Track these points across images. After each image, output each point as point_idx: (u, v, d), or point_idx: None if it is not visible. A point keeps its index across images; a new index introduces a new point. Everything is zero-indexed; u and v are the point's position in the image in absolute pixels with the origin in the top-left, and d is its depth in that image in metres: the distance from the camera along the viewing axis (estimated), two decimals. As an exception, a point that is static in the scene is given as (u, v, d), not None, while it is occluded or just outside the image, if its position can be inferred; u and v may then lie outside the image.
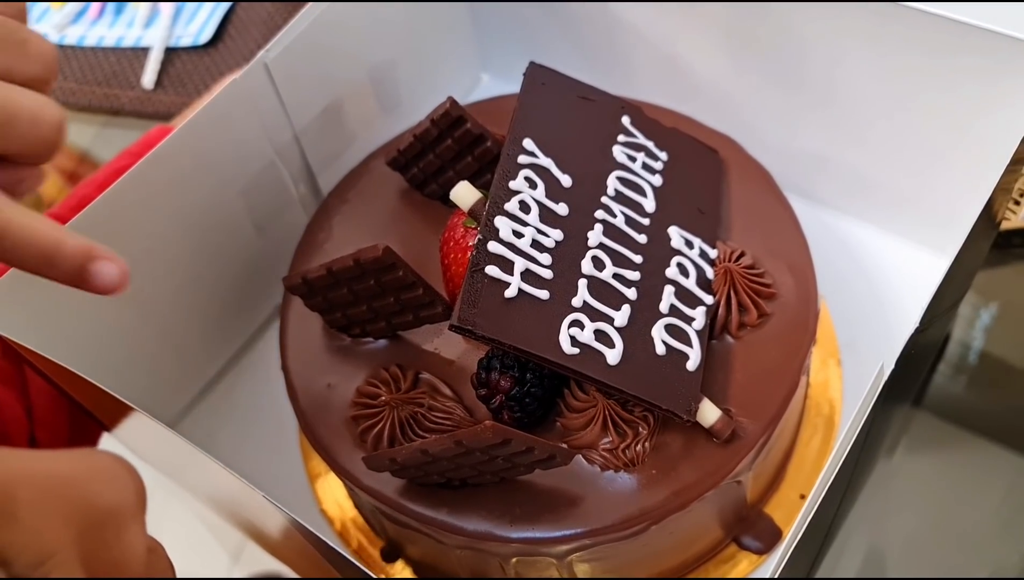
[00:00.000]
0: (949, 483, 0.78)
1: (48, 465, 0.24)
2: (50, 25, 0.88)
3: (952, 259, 0.42)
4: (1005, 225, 0.63)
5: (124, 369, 0.56)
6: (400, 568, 0.55)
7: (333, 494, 0.58)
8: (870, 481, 0.79)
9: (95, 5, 0.89)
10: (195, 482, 0.55)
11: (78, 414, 0.55)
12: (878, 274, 0.63)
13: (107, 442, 0.62)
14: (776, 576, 0.36)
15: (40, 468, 0.24)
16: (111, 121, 0.85)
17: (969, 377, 0.79)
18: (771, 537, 0.53)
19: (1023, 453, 0.76)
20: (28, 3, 0.87)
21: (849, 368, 0.59)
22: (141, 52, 0.86)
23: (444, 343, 0.51)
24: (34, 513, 0.22)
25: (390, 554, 0.55)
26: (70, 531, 0.23)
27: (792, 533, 0.36)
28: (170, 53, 0.85)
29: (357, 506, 0.57)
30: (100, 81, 0.85)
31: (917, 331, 0.40)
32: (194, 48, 0.85)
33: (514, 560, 0.47)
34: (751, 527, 0.53)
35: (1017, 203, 0.64)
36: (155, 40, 0.85)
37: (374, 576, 0.38)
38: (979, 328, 0.79)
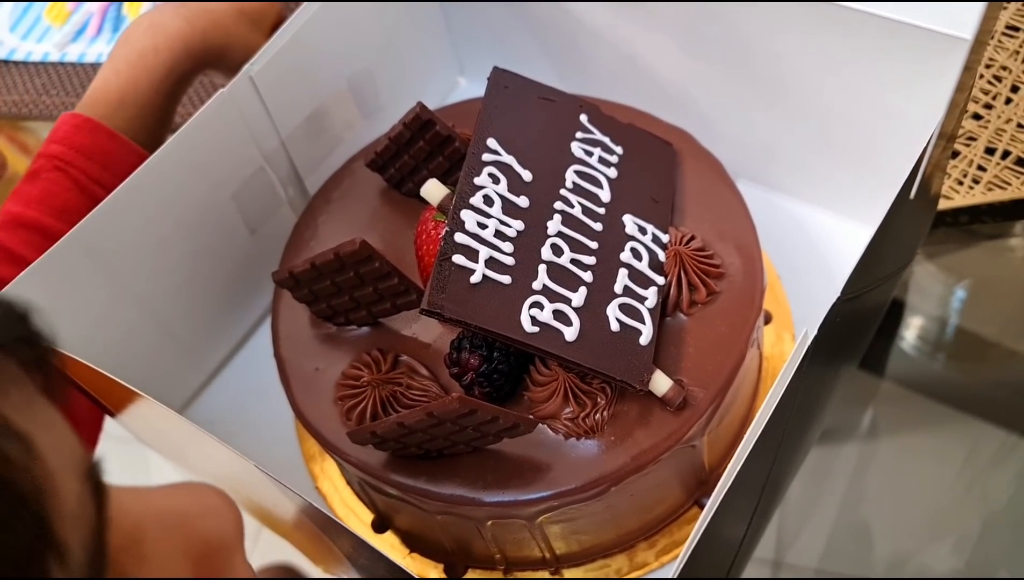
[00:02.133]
0: (914, 452, 0.82)
1: (166, 502, 0.27)
2: (51, 44, 0.93)
3: (875, 230, 0.46)
4: (949, 204, 0.67)
5: (129, 364, 0.60)
6: (389, 537, 0.59)
7: (327, 474, 0.63)
8: (839, 456, 0.83)
9: (94, 23, 0.94)
10: (201, 465, 0.59)
11: (72, 406, 0.59)
12: (830, 253, 0.67)
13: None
14: (705, 527, 0.40)
15: (160, 506, 0.26)
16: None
17: (944, 353, 0.83)
18: (730, 498, 0.57)
19: (986, 419, 0.80)
20: (29, 21, 0.92)
21: (790, 358, 0.63)
22: (138, 67, 0.90)
23: (421, 328, 0.55)
24: (159, 550, 0.25)
25: (380, 526, 0.60)
26: (188, 564, 0.26)
27: (722, 482, 0.40)
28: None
29: (349, 483, 0.61)
30: (100, 96, 0.89)
31: (840, 300, 0.44)
32: (188, 61, 0.90)
33: (489, 523, 0.52)
34: (711, 490, 0.57)
35: (960, 183, 0.68)
36: (151, 55, 0.90)
37: (364, 538, 0.43)
38: (952, 306, 0.83)
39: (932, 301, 0.82)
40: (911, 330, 0.81)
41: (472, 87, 0.80)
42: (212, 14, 0.67)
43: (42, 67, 0.92)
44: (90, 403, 0.60)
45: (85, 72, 0.92)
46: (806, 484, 0.76)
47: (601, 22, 0.67)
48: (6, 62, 0.93)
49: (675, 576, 0.40)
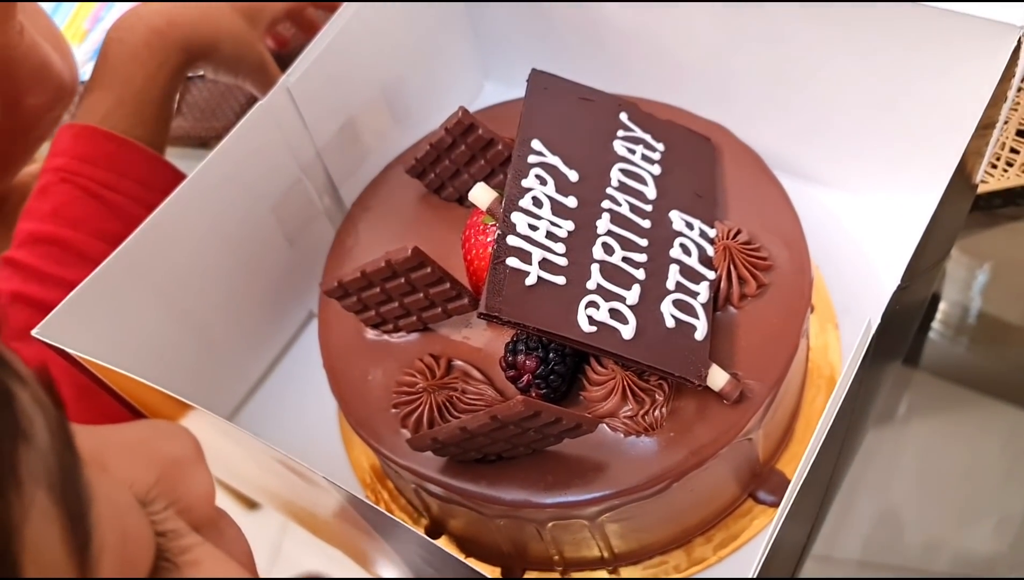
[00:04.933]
0: (952, 439, 0.82)
1: (122, 433, 0.29)
2: (70, 63, 0.93)
3: (929, 220, 0.46)
4: (984, 188, 0.68)
5: (174, 379, 0.60)
6: (444, 542, 0.59)
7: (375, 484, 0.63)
8: (876, 447, 0.83)
9: (111, 41, 0.94)
10: (250, 475, 0.59)
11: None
12: (869, 241, 0.67)
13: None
14: (783, 518, 0.40)
15: (117, 435, 0.29)
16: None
17: (967, 337, 0.82)
18: (783, 490, 0.57)
19: (1020, 405, 0.80)
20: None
21: (846, 331, 0.63)
22: (158, 83, 0.90)
23: (472, 332, 0.55)
24: (122, 467, 0.27)
25: (434, 532, 0.60)
26: (152, 476, 0.28)
27: (797, 475, 0.40)
28: (186, 82, 0.90)
29: (400, 491, 0.61)
30: (122, 113, 0.89)
31: (900, 288, 0.44)
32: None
33: (550, 525, 0.52)
34: (765, 482, 0.57)
35: (994, 166, 0.68)
36: (171, 71, 0.90)
37: (420, 533, 0.43)
38: (975, 290, 0.83)
39: (955, 285, 0.82)
40: (935, 314, 0.81)
41: (497, 90, 0.80)
42: (199, 8, 0.67)
43: (62, 87, 0.92)
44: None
45: (105, 90, 0.92)
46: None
47: (628, 20, 0.68)
48: (26, 83, 0.93)
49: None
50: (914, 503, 0.83)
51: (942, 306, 0.82)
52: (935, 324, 0.81)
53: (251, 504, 1.27)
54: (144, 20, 0.66)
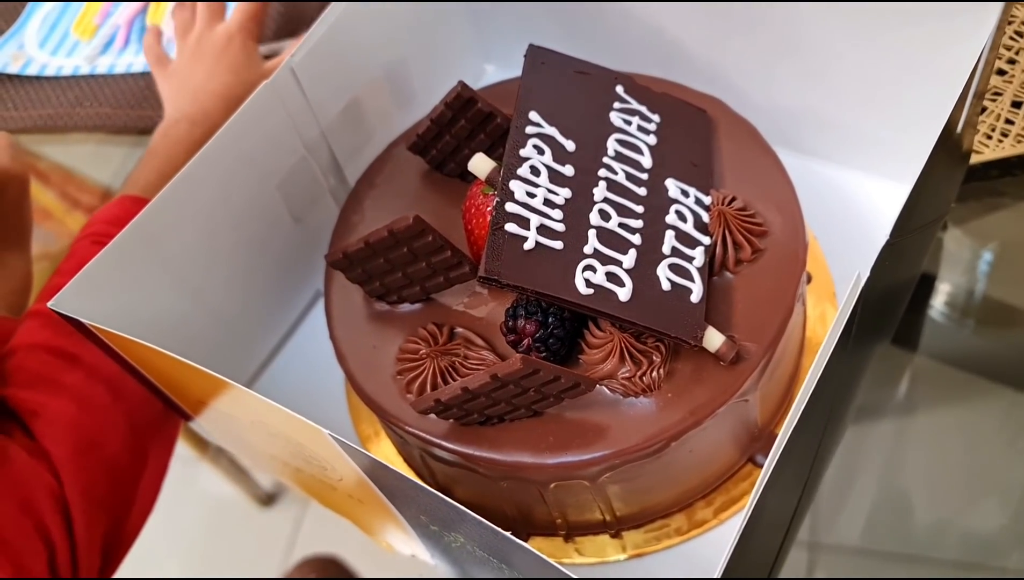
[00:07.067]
0: (951, 423, 0.83)
1: None
2: (81, 57, 0.95)
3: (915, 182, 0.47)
4: (979, 158, 0.68)
5: (184, 355, 0.62)
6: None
7: (383, 453, 0.64)
8: (875, 433, 0.83)
9: (121, 35, 0.96)
10: (263, 447, 0.60)
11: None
12: (866, 214, 0.68)
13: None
14: (769, 476, 0.41)
15: None
16: (141, 141, 0.92)
17: (969, 319, 0.83)
18: (783, 454, 0.58)
19: (1017, 389, 0.80)
20: (58, 37, 0.94)
21: (844, 301, 0.64)
22: (167, 74, 0.92)
23: (474, 301, 0.56)
24: None
25: (440, 500, 0.61)
26: None
27: (782, 434, 0.41)
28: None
29: (406, 459, 0.62)
30: (132, 104, 0.91)
31: (888, 244, 0.45)
32: (216, 67, 0.92)
33: (552, 486, 0.53)
34: (764, 446, 0.58)
35: (989, 137, 0.69)
36: (179, 62, 0.91)
37: (432, 490, 0.44)
38: (977, 272, 0.83)
39: (959, 267, 0.83)
40: (939, 297, 0.82)
41: (499, 73, 0.81)
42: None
43: (73, 80, 0.94)
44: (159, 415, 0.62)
45: (116, 82, 0.93)
46: (838, 464, 0.77)
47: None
48: (39, 77, 0.95)
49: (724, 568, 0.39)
50: (916, 488, 0.84)
51: (943, 288, 0.82)
52: (935, 306, 0.82)
53: (266, 501, 1.28)
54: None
